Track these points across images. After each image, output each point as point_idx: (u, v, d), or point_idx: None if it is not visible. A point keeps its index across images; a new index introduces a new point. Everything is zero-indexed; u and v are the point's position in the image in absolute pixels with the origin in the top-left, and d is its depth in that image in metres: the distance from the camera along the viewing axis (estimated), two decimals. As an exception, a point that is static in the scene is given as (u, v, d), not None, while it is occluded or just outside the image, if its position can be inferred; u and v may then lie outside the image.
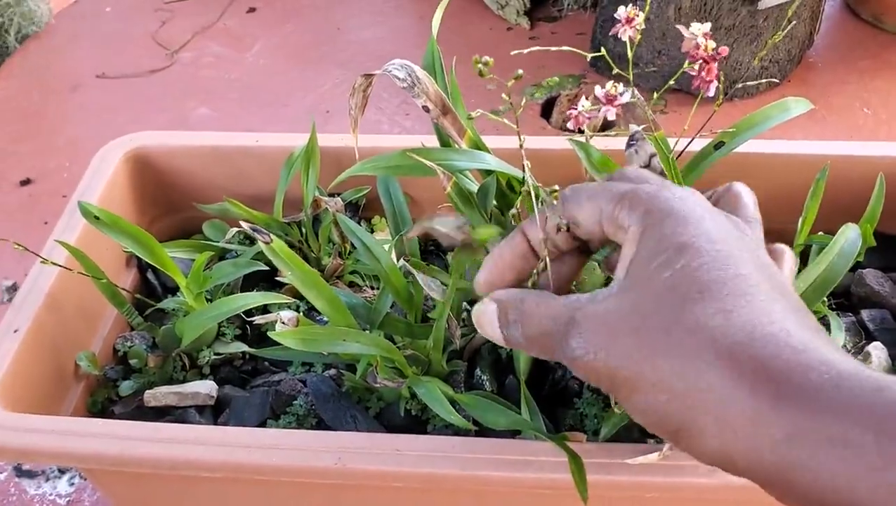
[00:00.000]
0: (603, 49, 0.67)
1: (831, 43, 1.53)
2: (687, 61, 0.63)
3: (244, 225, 0.62)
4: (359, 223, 0.87)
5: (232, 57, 1.55)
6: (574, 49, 0.65)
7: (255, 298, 0.66)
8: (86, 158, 1.29)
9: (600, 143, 0.77)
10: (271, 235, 0.61)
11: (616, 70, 0.64)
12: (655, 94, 0.71)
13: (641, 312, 0.38)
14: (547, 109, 1.38)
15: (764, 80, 1.34)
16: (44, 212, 1.21)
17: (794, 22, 1.32)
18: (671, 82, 0.67)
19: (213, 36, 1.61)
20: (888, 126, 1.31)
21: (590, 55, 0.65)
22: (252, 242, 0.83)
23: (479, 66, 0.57)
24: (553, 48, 0.64)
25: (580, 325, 0.40)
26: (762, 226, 0.48)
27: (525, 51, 0.63)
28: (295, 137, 0.84)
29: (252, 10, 1.69)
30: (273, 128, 1.35)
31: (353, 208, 0.86)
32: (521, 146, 0.63)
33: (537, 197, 0.67)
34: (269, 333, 0.63)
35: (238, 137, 0.86)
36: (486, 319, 0.46)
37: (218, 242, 0.81)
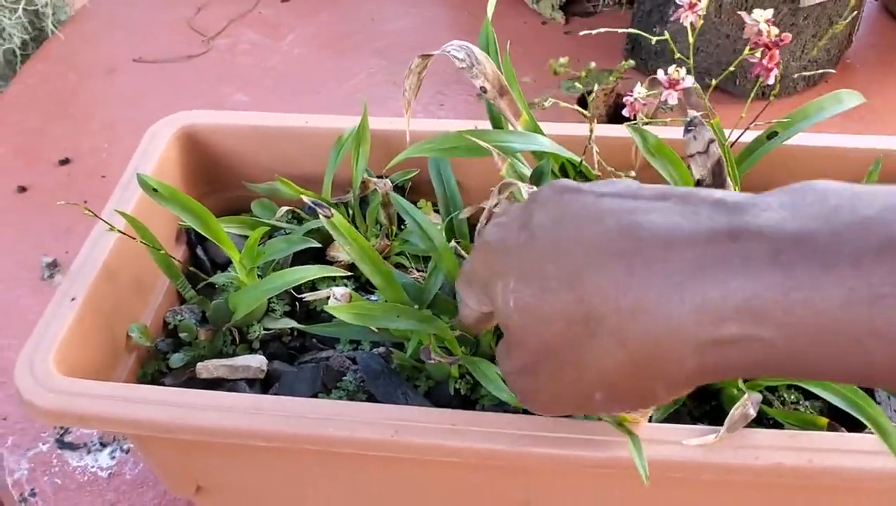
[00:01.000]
0: (640, 46, 0.67)
1: (869, 44, 1.53)
2: (748, 48, 0.63)
3: (305, 199, 0.63)
4: (405, 206, 0.87)
5: (267, 45, 1.56)
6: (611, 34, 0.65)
7: (311, 271, 0.67)
8: (122, 140, 1.31)
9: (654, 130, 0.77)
10: (331, 209, 0.62)
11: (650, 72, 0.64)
12: (711, 82, 0.71)
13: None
14: (582, 104, 1.38)
15: (811, 74, 1.34)
16: (83, 191, 1.21)
17: (827, 28, 1.32)
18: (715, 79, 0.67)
19: (249, 24, 1.62)
20: (925, 128, 1.31)
21: (625, 52, 0.65)
22: (300, 221, 0.84)
23: (556, 66, 0.58)
24: (595, 33, 0.64)
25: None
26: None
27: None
28: (344, 120, 0.84)
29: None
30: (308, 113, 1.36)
31: (399, 191, 0.87)
32: (590, 130, 0.64)
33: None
34: (325, 307, 0.64)
35: (287, 118, 0.86)
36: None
37: (268, 220, 0.82)
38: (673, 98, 0.62)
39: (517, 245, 0.44)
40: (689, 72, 0.65)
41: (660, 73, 0.63)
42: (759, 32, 0.62)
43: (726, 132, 0.73)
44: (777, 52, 0.62)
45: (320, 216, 0.62)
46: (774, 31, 0.61)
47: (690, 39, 0.65)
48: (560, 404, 0.45)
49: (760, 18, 0.61)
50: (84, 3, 1.70)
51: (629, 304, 0.37)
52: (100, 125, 1.37)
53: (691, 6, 0.63)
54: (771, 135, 0.74)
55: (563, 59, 0.64)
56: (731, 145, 0.77)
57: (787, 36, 0.62)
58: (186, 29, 1.61)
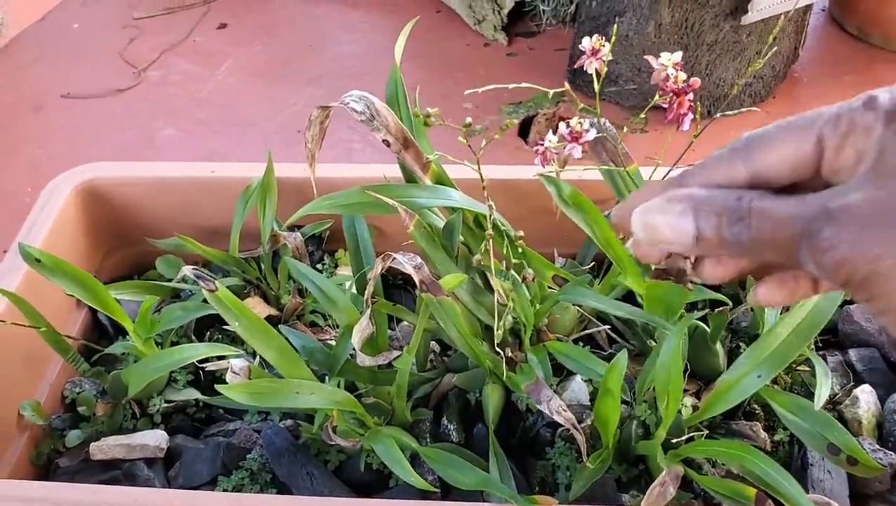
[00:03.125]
0: (581, 68, 0.63)
1: (817, 57, 1.50)
2: (658, 94, 0.59)
3: (186, 270, 0.58)
4: (322, 257, 0.82)
5: (201, 75, 1.51)
6: (537, 83, 0.61)
7: (200, 350, 0.62)
8: (47, 181, 1.25)
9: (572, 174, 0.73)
10: (215, 282, 0.57)
11: (581, 105, 0.60)
12: (631, 116, 0.67)
13: None
14: (524, 128, 1.34)
15: (746, 101, 1.31)
16: (3, 239, 1.16)
17: (776, 46, 1.28)
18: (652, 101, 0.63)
19: (183, 53, 1.57)
20: (874, 143, 1.28)
21: (567, 73, 0.61)
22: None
23: (427, 118, 0.53)
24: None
25: (834, 216, 0.33)
26: None
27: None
28: (252, 168, 0.80)
29: (223, 25, 1.65)
30: (241, 148, 1.31)
31: (316, 241, 0.82)
32: (483, 187, 0.59)
33: (502, 238, 0.63)
34: (218, 387, 0.59)
35: (193, 168, 0.81)
36: (670, 226, 0.36)
37: (171, 279, 0.77)
38: (577, 151, 0.58)
39: None
40: (595, 122, 0.61)
41: (561, 126, 0.58)
42: (667, 77, 0.57)
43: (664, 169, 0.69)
44: (687, 98, 0.57)
45: (203, 290, 0.57)
46: (682, 76, 0.57)
47: (596, 87, 0.60)
48: None
49: (668, 62, 0.57)
50: (12, 36, 1.64)
51: None
52: (25, 165, 1.32)
53: (594, 52, 0.59)
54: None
55: (467, 119, 0.59)
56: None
57: (696, 81, 0.57)
58: (118, 61, 1.56)
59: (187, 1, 1.71)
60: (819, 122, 0.34)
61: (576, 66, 0.61)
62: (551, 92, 0.60)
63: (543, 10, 1.56)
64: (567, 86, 0.59)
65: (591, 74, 0.61)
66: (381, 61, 1.54)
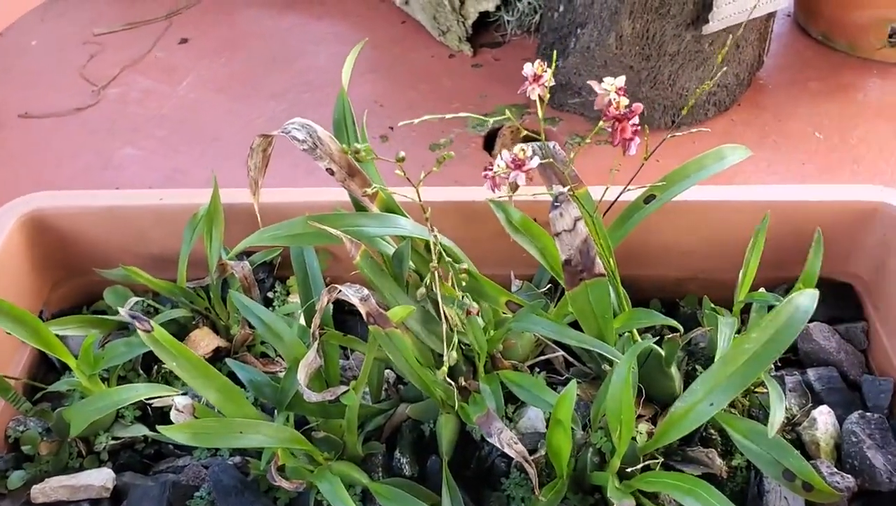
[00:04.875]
0: (547, 95, 0.61)
1: (782, 63, 1.49)
2: (602, 120, 0.58)
3: (121, 311, 0.56)
4: (273, 285, 0.81)
5: (162, 91, 1.48)
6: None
7: (140, 391, 0.60)
8: (4, 204, 1.22)
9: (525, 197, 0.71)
10: (151, 322, 0.55)
11: (544, 120, 0.59)
12: (594, 127, 0.65)
13: None
14: (489, 141, 1.32)
15: (704, 116, 1.30)
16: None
17: (740, 54, 1.28)
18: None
19: (144, 69, 1.54)
20: (840, 151, 1.27)
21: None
22: (157, 310, 0.77)
23: (357, 154, 0.52)
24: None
25: None
26: None
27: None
28: (201, 194, 0.78)
29: (185, 40, 1.63)
30: (203, 165, 1.29)
31: (267, 268, 0.80)
32: (426, 218, 0.58)
33: (454, 272, 0.61)
34: (159, 428, 0.57)
35: (141, 196, 0.80)
36: None
37: (115, 314, 0.75)
38: (521, 179, 0.56)
39: None
40: (542, 146, 0.59)
41: (504, 154, 0.57)
42: (609, 103, 0.56)
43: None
44: (629, 123, 0.56)
45: (139, 332, 0.55)
46: (624, 101, 0.56)
47: (540, 114, 0.59)
48: None
49: (611, 88, 0.56)
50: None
51: None
52: (-19, 189, 1.29)
53: (536, 79, 0.57)
54: (648, 199, 0.69)
55: (401, 154, 0.57)
56: (610, 206, 0.72)
57: (639, 106, 0.56)
58: (77, 78, 1.53)
59: (149, 16, 1.69)
60: None
61: (519, 91, 0.60)
62: (509, 117, 0.59)
63: (508, 21, 1.55)
64: (544, 95, 0.57)
65: (556, 86, 0.60)
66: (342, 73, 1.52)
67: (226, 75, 1.53)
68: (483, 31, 1.58)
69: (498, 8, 1.54)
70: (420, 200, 0.58)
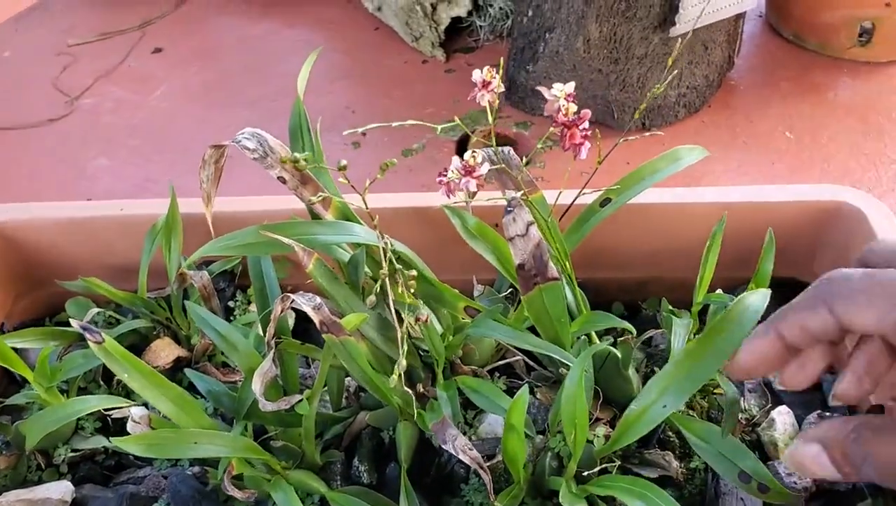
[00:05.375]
0: (517, 83, 0.61)
1: (753, 64, 1.50)
2: (552, 125, 0.58)
3: (74, 323, 0.56)
4: (234, 294, 0.81)
5: (134, 101, 1.48)
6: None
7: (92, 402, 0.60)
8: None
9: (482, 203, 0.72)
10: (101, 334, 0.55)
11: (505, 127, 0.59)
12: (539, 143, 0.65)
13: None
14: (462, 146, 1.33)
15: (673, 115, 1.31)
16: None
17: (703, 54, 1.28)
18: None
19: (117, 79, 1.54)
20: (810, 151, 1.28)
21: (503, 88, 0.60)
22: (118, 321, 0.77)
23: (296, 163, 0.52)
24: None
25: None
26: None
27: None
28: (162, 204, 0.78)
29: (158, 50, 1.63)
30: (175, 175, 1.28)
31: (228, 276, 0.80)
32: (374, 224, 0.58)
33: (404, 279, 0.61)
34: (113, 440, 0.57)
35: (101, 207, 0.79)
36: (811, 461, 0.42)
37: (73, 326, 0.75)
38: (472, 185, 0.56)
39: None
40: (495, 151, 0.60)
41: (455, 160, 0.57)
42: (559, 109, 0.56)
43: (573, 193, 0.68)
44: (578, 130, 0.56)
45: (90, 344, 0.55)
46: (573, 108, 0.56)
47: (490, 119, 0.59)
48: None
49: (560, 94, 0.56)
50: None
51: None
52: (-47, 201, 1.29)
53: (485, 85, 0.58)
54: (604, 202, 0.69)
55: (342, 162, 0.57)
56: (566, 211, 0.72)
57: (587, 112, 0.56)
58: (51, 89, 1.53)
59: (123, 26, 1.69)
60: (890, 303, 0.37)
61: (469, 98, 0.60)
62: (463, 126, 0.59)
63: (480, 26, 1.55)
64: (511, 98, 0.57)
65: (525, 90, 0.60)
66: (318, 80, 1.52)
67: (199, 84, 1.53)
68: (456, 36, 1.58)
69: (470, 13, 1.54)
70: (367, 207, 0.58)
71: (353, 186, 0.55)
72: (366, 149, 1.31)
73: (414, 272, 0.59)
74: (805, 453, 0.42)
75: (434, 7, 1.52)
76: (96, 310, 0.75)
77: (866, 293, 0.40)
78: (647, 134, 0.69)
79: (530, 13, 1.28)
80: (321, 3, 1.75)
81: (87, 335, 0.55)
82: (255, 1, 1.78)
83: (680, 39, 0.73)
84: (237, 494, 0.57)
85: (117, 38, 1.67)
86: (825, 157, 1.27)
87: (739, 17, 1.33)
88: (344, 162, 0.53)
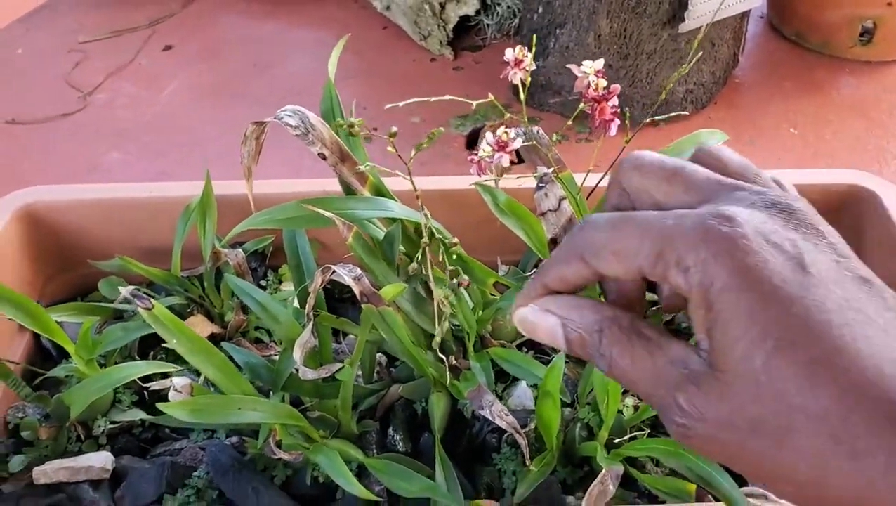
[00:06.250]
0: (528, 79, 0.63)
1: (756, 62, 1.53)
2: (581, 102, 0.60)
3: (122, 290, 0.58)
4: (265, 273, 0.83)
5: (146, 97, 1.50)
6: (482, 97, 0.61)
7: (140, 368, 0.61)
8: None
9: (512, 182, 0.74)
10: (151, 300, 0.57)
11: (512, 113, 0.61)
12: (576, 126, 0.67)
13: (748, 416, 0.32)
14: (472, 140, 1.35)
15: (687, 107, 1.33)
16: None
17: (710, 51, 1.31)
18: (567, 118, 0.64)
19: (128, 76, 1.56)
20: (815, 147, 1.31)
21: (513, 86, 0.62)
22: (152, 299, 0.78)
23: (351, 127, 0.54)
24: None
25: (683, 410, 0.34)
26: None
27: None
28: (193, 186, 0.80)
29: (168, 48, 1.65)
30: (187, 169, 1.30)
31: (259, 257, 0.82)
32: (417, 197, 0.60)
33: (445, 247, 0.63)
34: (159, 405, 0.58)
35: (132, 189, 0.81)
36: (544, 330, 0.38)
37: (110, 302, 0.76)
38: (505, 160, 0.59)
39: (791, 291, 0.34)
40: (527, 130, 0.62)
41: (488, 136, 0.59)
42: (589, 85, 0.58)
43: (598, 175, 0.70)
44: (609, 104, 0.59)
45: (139, 310, 0.57)
46: (603, 83, 0.58)
47: (522, 96, 0.61)
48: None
49: (590, 70, 0.58)
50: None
51: None
52: (-32, 194, 1.30)
53: (517, 63, 0.60)
54: (630, 181, 0.71)
55: (393, 129, 0.59)
56: (592, 191, 0.74)
57: (616, 87, 0.59)
58: (63, 85, 1.54)
59: (132, 24, 1.71)
60: (639, 259, 0.34)
61: (501, 77, 0.62)
62: (487, 99, 0.61)
63: (488, 25, 1.58)
64: (520, 95, 0.60)
65: (534, 85, 0.62)
66: (323, 78, 1.54)
67: (209, 81, 1.55)
68: (463, 35, 1.61)
69: (478, 12, 1.57)
70: (411, 178, 0.60)
71: (399, 156, 0.57)
72: (377, 144, 1.33)
73: (456, 239, 0.61)
74: (540, 321, 0.38)
75: (442, 6, 1.54)
76: (132, 287, 0.76)
77: (609, 246, 0.36)
78: (668, 117, 0.71)
79: (540, 10, 1.31)
80: (328, 3, 1.77)
81: (137, 302, 0.57)
82: (263, 0, 1.80)
83: (698, 34, 0.75)
84: (284, 455, 0.59)
85: (127, 35, 1.68)
86: (829, 152, 1.30)
87: (745, 15, 1.36)
88: (394, 129, 0.55)
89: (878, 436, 0.29)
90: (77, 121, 1.45)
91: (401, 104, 0.59)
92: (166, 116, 1.45)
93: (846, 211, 0.80)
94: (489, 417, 0.60)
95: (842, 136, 1.33)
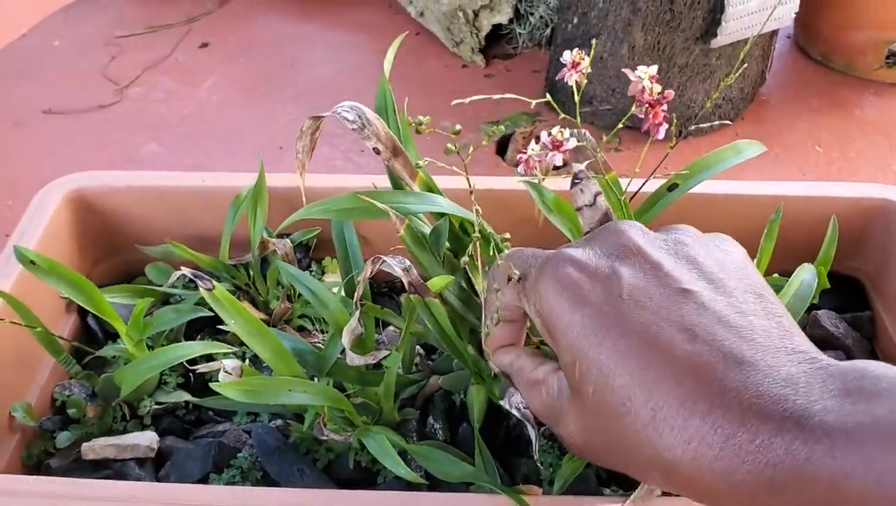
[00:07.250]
0: (557, 88, 0.65)
1: (783, 81, 1.55)
2: (634, 105, 0.62)
3: (185, 270, 0.60)
4: (309, 265, 0.85)
5: (183, 92, 1.53)
6: (521, 97, 0.63)
7: (195, 348, 0.63)
8: (28, 196, 1.26)
9: (554, 184, 0.75)
10: (213, 281, 0.59)
11: (563, 115, 0.63)
12: (605, 135, 0.70)
13: (593, 429, 0.42)
14: (502, 146, 1.37)
15: (717, 121, 1.35)
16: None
17: (746, 64, 1.33)
18: (621, 123, 0.66)
19: (165, 71, 1.59)
20: (839, 164, 1.32)
21: (544, 94, 0.64)
22: (196, 285, 0.81)
23: (419, 125, 0.56)
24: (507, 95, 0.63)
25: (563, 438, 0.45)
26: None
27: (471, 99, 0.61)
28: (242, 177, 0.82)
29: (205, 45, 1.67)
30: (224, 164, 1.33)
31: (303, 249, 0.84)
32: (471, 192, 0.62)
33: (488, 243, 0.65)
34: (212, 385, 0.60)
35: (183, 178, 0.83)
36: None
37: (161, 285, 0.78)
38: (558, 159, 0.61)
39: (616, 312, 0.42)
40: (575, 133, 0.64)
41: (543, 135, 0.61)
42: (643, 89, 0.60)
43: (638, 181, 0.72)
44: (661, 108, 0.61)
45: (200, 289, 0.59)
46: (657, 88, 0.60)
47: (577, 98, 0.63)
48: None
49: (644, 75, 0.60)
50: (-6, 52, 1.65)
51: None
52: (4, 180, 1.32)
53: (574, 66, 0.62)
54: (671, 186, 0.73)
55: (457, 126, 0.61)
56: (633, 196, 0.76)
57: (670, 93, 0.61)
58: (100, 78, 1.57)
59: (169, 20, 1.74)
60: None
61: (557, 78, 0.64)
62: (533, 102, 0.63)
63: (520, 34, 1.60)
64: (548, 96, 0.62)
65: (566, 94, 0.64)
66: (358, 81, 1.57)
67: (244, 79, 1.57)
68: (495, 43, 1.63)
69: (510, 21, 1.59)
70: (467, 176, 0.62)
71: (458, 154, 0.59)
72: (419, 141, 1.35)
73: (508, 235, 0.62)
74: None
75: (476, 14, 1.57)
76: (178, 273, 0.79)
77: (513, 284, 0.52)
78: (711, 126, 0.73)
79: (575, 20, 1.33)
80: (362, 7, 1.80)
81: (200, 282, 0.59)
82: (297, 2, 1.82)
83: (738, 48, 0.77)
84: (335, 436, 0.61)
85: (164, 31, 1.71)
86: (853, 170, 1.32)
87: (774, 33, 1.38)
88: (458, 127, 0.57)
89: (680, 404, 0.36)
90: (113, 113, 1.47)
91: (467, 100, 0.61)
92: (202, 111, 1.47)
93: (875, 225, 0.82)
94: (507, 407, 0.62)
95: (866, 154, 1.35)
